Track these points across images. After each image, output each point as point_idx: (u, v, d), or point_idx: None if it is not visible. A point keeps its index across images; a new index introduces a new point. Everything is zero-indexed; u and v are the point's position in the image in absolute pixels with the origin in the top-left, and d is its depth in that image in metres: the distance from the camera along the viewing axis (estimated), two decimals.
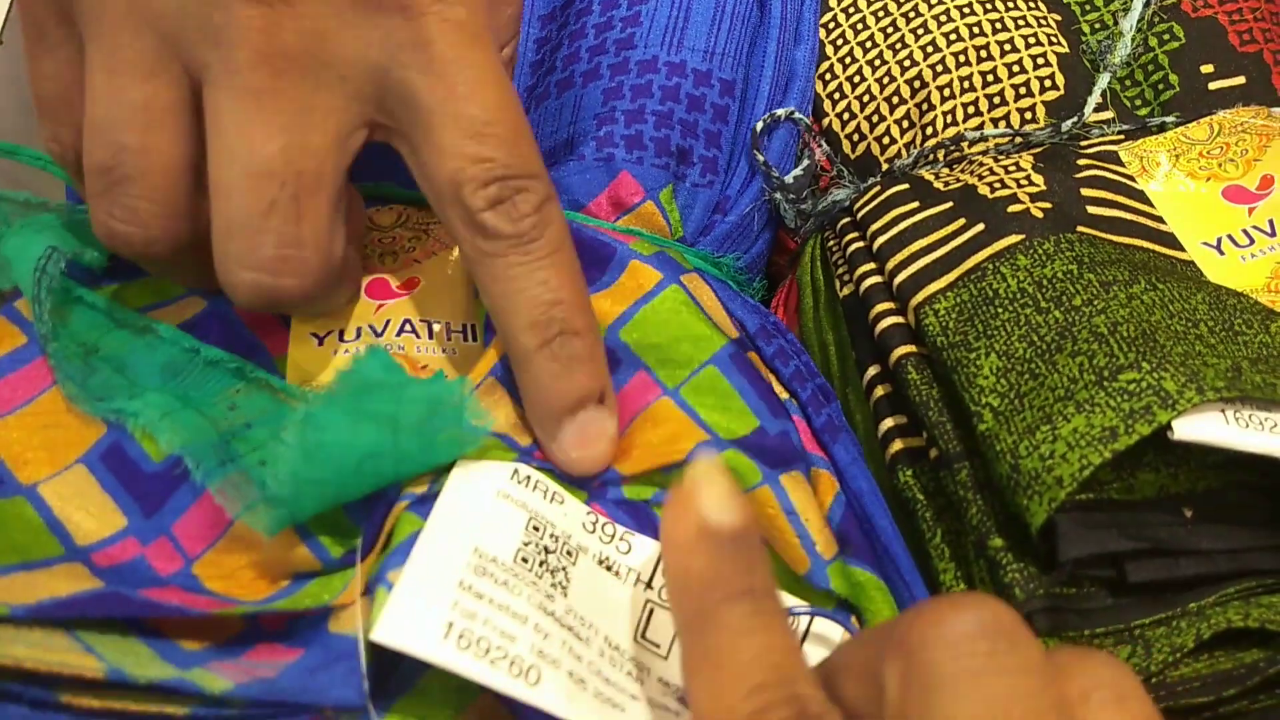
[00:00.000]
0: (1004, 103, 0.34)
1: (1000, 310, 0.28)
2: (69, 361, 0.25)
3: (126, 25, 0.23)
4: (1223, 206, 0.31)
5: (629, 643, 0.23)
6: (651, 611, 0.24)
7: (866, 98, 0.36)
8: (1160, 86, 0.34)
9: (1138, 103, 0.35)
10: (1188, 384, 0.24)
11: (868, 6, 0.37)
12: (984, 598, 0.18)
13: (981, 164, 0.33)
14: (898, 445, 0.30)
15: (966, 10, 0.36)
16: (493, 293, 0.25)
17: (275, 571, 0.24)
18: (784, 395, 0.29)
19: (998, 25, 0.35)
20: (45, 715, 0.20)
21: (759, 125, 0.34)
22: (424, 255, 0.29)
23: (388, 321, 0.28)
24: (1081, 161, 0.32)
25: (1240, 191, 0.31)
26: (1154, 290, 0.27)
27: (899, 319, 0.30)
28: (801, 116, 0.35)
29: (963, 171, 0.33)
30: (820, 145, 0.36)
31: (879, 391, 0.31)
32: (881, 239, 0.31)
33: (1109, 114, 0.34)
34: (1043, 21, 0.35)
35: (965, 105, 0.35)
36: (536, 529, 0.24)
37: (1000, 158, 0.33)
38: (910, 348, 0.30)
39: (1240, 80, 0.34)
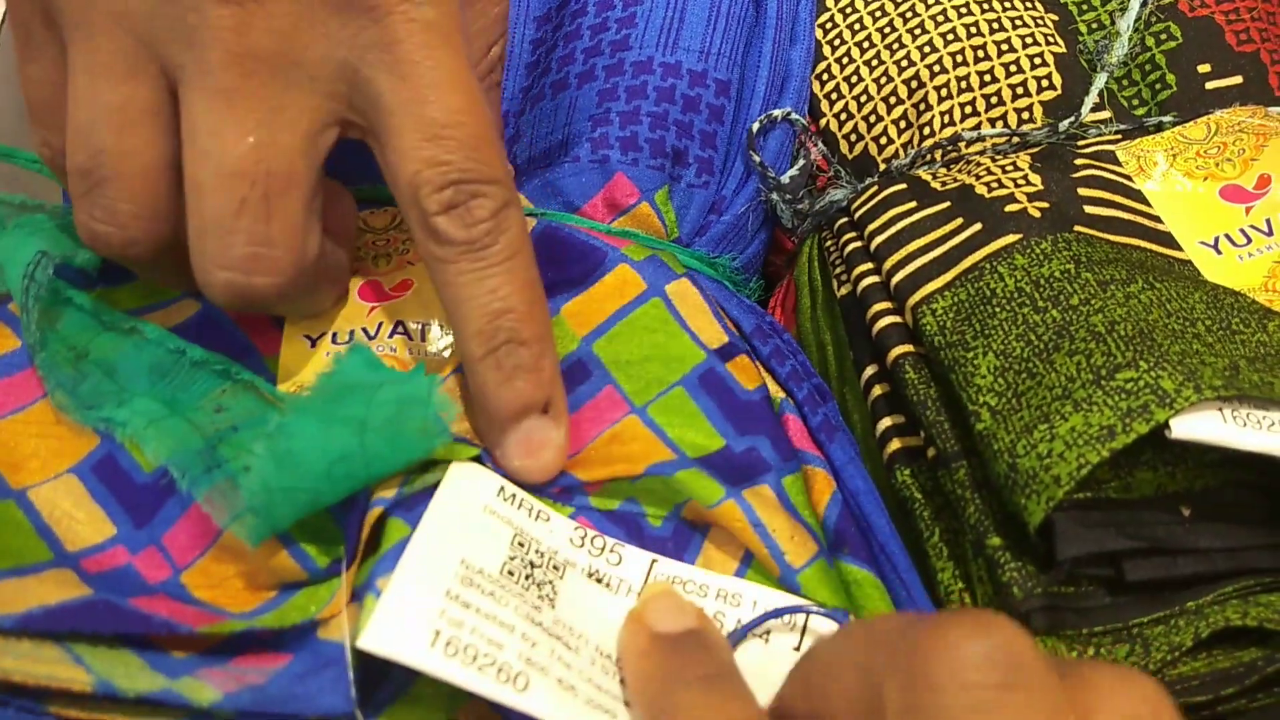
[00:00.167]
0: (1001, 103, 0.34)
1: (998, 310, 0.28)
2: (59, 368, 0.25)
3: (104, 27, 0.23)
4: (1220, 206, 0.31)
5: None
6: None
7: (864, 98, 0.36)
8: (1157, 86, 0.34)
9: (1135, 102, 0.34)
10: (1185, 383, 0.24)
11: (865, 7, 0.37)
12: (995, 621, 0.18)
13: (979, 164, 0.33)
14: (895, 444, 0.30)
15: (964, 10, 0.36)
16: (445, 297, 0.25)
17: (263, 581, 0.24)
18: (780, 394, 0.29)
19: (995, 25, 0.35)
20: None
21: (755, 126, 0.34)
22: (417, 258, 0.29)
23: (380, 323, 0.28)
24: (1079, 161, 0.32)
25: (1237, 191, 0.31)
26: (1151, 289, 0.27)
27: (896, 318, 0.30)
28: (798, 117, 0.35)
29: (960, 171, 0.33)
30: (816, 145, 0.36)
31: (876, 391, 0.31)
32: (879, 239, 0.31)
33: (1106, 114, 0.34)
34: (1040, 21, 0.35)
35: (962, 105, 0.35)
36: (521, 544, 0.24)
37: (997, 157, 0.33)
38: (908, 347, 0.30)
39: (1237, 80, 0.34)
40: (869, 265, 0.32)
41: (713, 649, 0.23)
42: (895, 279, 0.30)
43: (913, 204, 0.32)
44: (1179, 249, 0.30)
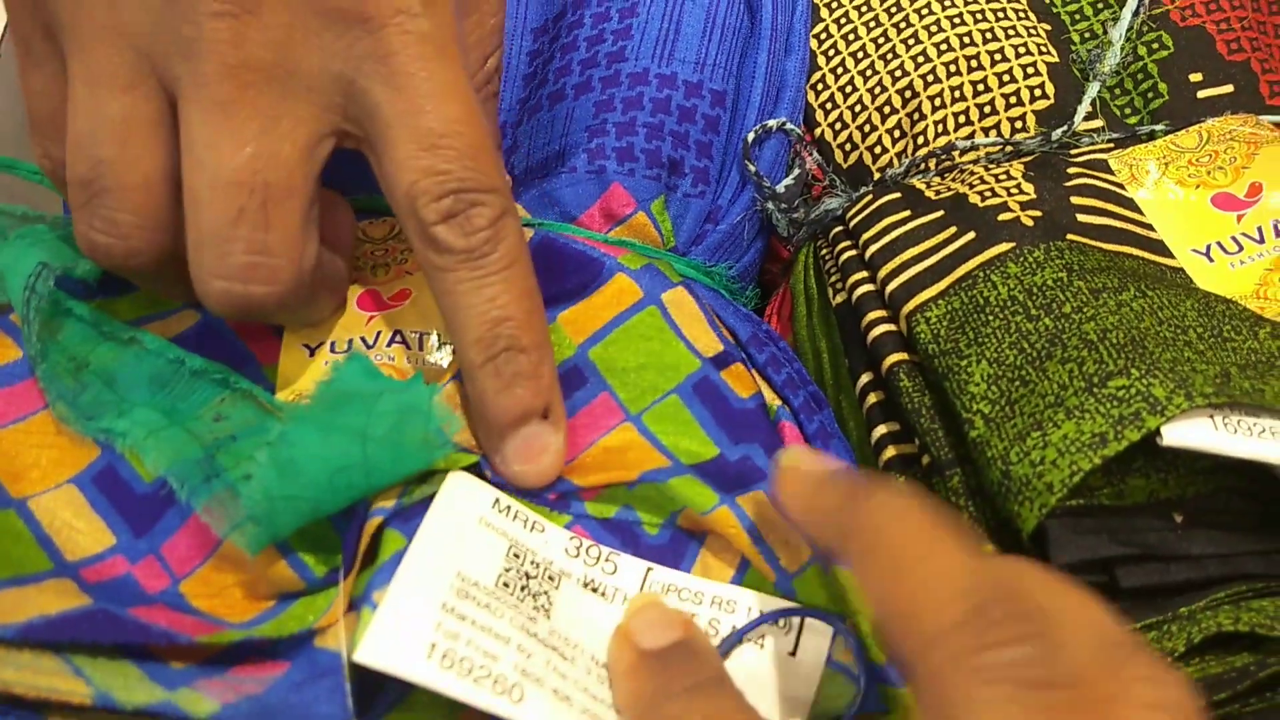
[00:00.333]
0: (994, 112, 0.35)
1: (991, 318, 0.28)
2: (60, 380, 0.26)
3: (103, 39, 0.23)
4: (1212, 214, 0.31)
5: None
6: None
7: (858, 107, 0.36)
8: (1149, 95, 0.35)
9: (1127, 111, 0.35)
10: (1176, 390, 0.24)
11: (859, 17, 0.37)
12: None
13: (972, 173, 0.33)
14: (890, 452, 0.30)
15: (957, 20, 0.36)
16: (443, 306, 0.25)
17: (261, 591, 0.24)
18: (776, 402, 0.29)
19: (988, 35, 0.35)
20: None
21: (750, 136, 0.34)
22: (415, 267, 0.30)
23: (379, 333, 0.28)
24: (1071, 170, 0.32)
25: (1229, 199, 0.31)
26: (1143, 297, 0.27)
27: (891, 327, 0.30)
28: (793, 127, 0.35)
29: (954, 180, 0.33)
30: (811, 155, 0.36)
31: (872, 399, 0.31)
32: (873, 247, 0.32)
33: (1099, 122, 0.34)
34: (1033, 31, 0.36)
35: (956, 114, 0.35)
36: (517, 556, 0.24)
37: (991, 166, 0.33)
38: (902, 355, 0.30)
39: (1228, 88, 0.34)
40: (864, 274, 0.32)
41: (700, 657, 0.23)
42: (890, 287, 0.30)
43: (907, 213, 0.32)
44: (1171, 257, 0.30)
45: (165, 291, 0.27)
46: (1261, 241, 0.30)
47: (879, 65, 0.36)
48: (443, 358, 0.28)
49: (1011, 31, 0.35)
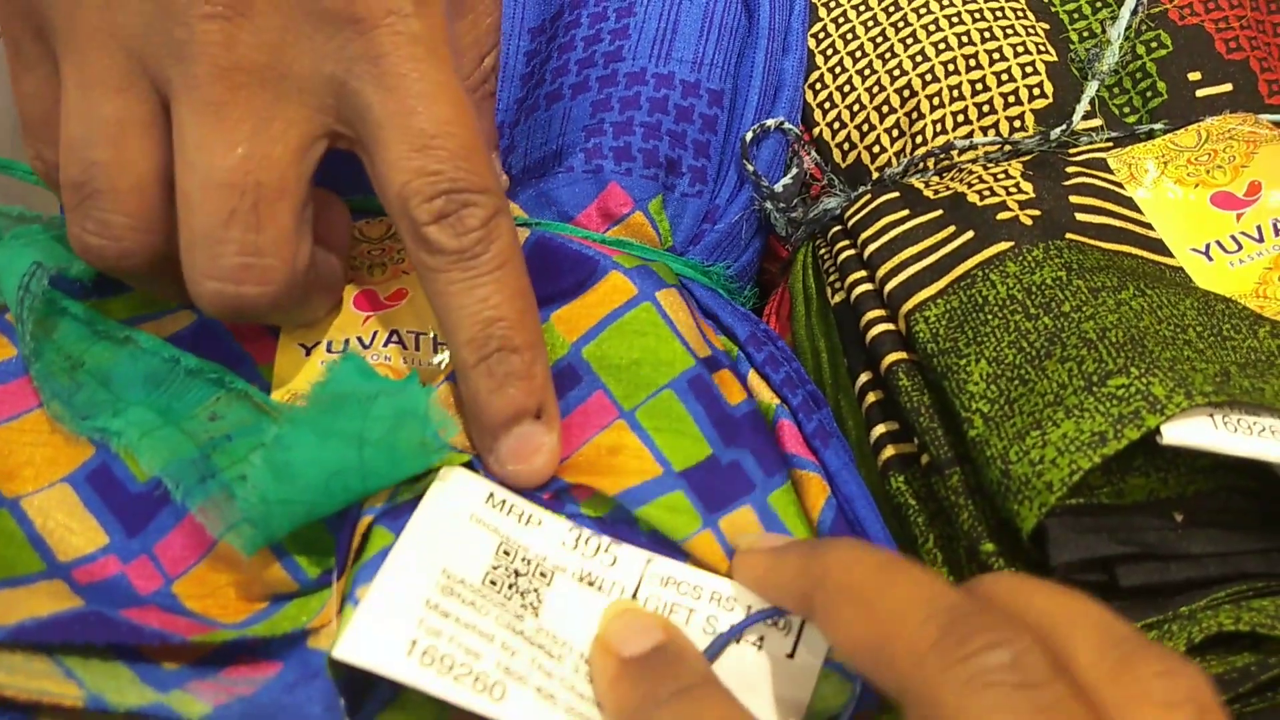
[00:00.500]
0: (993, 111, 0.34)
1: (990, 317, 0.28)
2: (54, 378, 0.25)
3: (95, 41, 0.23)
4: (1211, 213, 0.31)
5: None
6: None
7: (856, 107, 0.36)
8: (1148, 94, 0.35)
9: (1126, 110, 0.35)
10: (1176, 389, 0.24)
11: (857, 17, 0.37)
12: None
13: (971, 172, 0.33)
14: (890, 451, 0.30)
15: (955, 20, 0.36)
16: (436, 306, 0.25)
17: (255, 591, 0.24)
18: (774, 401, 0.29)
19: (986, 34, 0.35)
20: None
21: (748, 135, 0.34)
22: (411, 267, 0.29)
23: (375, 332, 0.28)
24: (1070, 169, 0.32)
25: (1228, 198, 0.31)
26: (1142, 296, 0.27)
27: (890, 326, 0.30)
28: (790, 126, 0.35)
29: (952, 179, 0.33)
30: (809, 154, 0.36)
31: (871, 398, 0.31)
32: (872, 246, 0.32)
33: (1097, 121, 0.34)
34: (1031, 30, 0.35)
35: (954, 114, 0.35)
36: (507, 553, 0.24)
37: (990, 165, 0.33)
38: (901, 354, 0.30)
39: (1227, 87, 0.34)
40: (862, 273, 0.32)
41: (684, 660, 0.23)
42: (888, 287, 0.30)
43: (905, 212, 0.32)
44: (1170, 256, 0.30)
45: (159, 292, 0.27)
46: (1261, 240, 0.30)
47: (877, 64, 0.36)
48: (440, 359, 0.28)
49: (1010, 30, 0.35)
